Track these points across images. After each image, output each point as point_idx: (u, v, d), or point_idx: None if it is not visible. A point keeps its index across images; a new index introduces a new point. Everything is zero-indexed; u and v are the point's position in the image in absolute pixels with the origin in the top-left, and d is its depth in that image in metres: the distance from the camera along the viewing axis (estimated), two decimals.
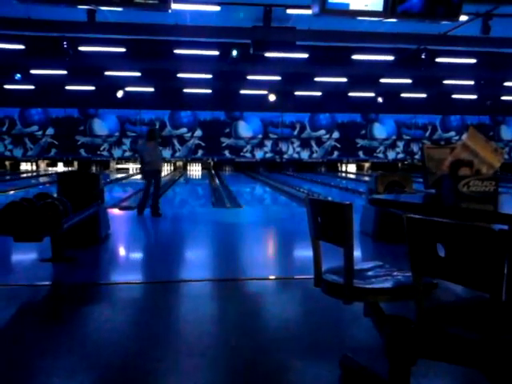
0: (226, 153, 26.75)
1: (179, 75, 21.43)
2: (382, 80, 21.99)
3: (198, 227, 7.98)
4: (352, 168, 27.63)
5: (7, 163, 25.93)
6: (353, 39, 13.84)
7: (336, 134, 27.27)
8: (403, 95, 25.17)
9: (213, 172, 24.57)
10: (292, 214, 10.39)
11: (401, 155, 27.84)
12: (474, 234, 1.63)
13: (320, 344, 3.08)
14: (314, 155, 27.36)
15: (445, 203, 2.36)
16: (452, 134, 27.82)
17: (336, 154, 27.43)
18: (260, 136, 26.93)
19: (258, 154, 27.01)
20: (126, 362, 2.84)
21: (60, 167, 26.10)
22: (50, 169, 25.82)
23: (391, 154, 27.81)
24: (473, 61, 18.00)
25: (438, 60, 17.53)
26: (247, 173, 24.45)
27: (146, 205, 8.79)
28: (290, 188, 16.22)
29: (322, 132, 27.28)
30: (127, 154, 26.24)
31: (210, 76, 21.46)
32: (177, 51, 17.23)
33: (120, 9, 5.65)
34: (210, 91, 24.42)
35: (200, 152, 26.57)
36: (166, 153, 25.40)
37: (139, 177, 22.59)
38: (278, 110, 26.08)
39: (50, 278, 4.80)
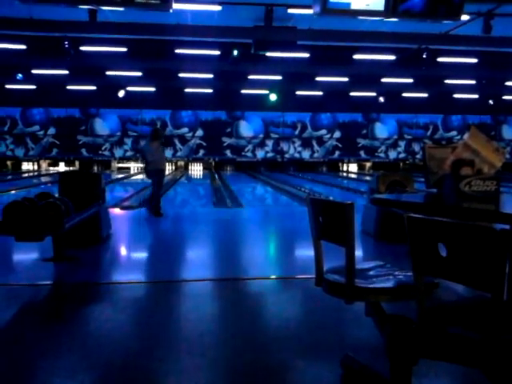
0: (228, 152, 26.76)
1: (180, 75, 21.44)
2: (384, 79, 21.98)
3: (200, 227, 7.98)
4: (353, 168, 27.62)
5: (9, 163, 25.98)
6: (354, 39, 13.83)
7: (337, 134, 27.26)
8: (404, 95, 25.15)
9: (214, 172, 24.57)
10: (293, 213, 10.39)
11: (402, 155, 27.82)
12: (475, 234, 1.63)
13: (321, 343, 3.08)
14: (316, 155, 27.35)
15: (446, 203, 2.36)
16: (453, 133, 27.80)
17: (337, 153, 27.42)
18: (261, 136, 26.93)
19: (260, 154, 27.01)
20: (127, 361, 2.84)
21: (61, 167, 26.13)
22: (51, 168, 25.86)
23: (392, 154, 27.80)
24: (474, 60, 17.98)
25: (440, 59, 17.50)
26: (248, 172, 24.45)
27: (160, 202, 8.87)
28: (292, 188, 16.22)
29: (324, 132, 27.27)
30: (128, 153, 26.26)
31: (211, 76, 21.47)
32: (178, 51, 17.23)
33: (121, 9, 5.66)
34: (211, 91, 24.42)
35: (201, 152, 26.58)
36: (168, 153, 25.41)
37: (140, 177, 22.64)
38: (279, 110, 26.09)
39: (51, 277, 4.81)
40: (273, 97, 24.14)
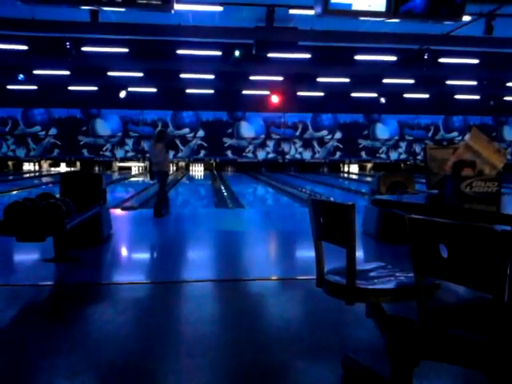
0: (229, 153, 26.77)
1: (182, 75, 21.46)
2: (385, 80, 21.97)
3: (201, 227, 7.98)
4: (354, 168, 27.61)
5: (10, 163, 26.01)
6: (355, 39, 13.84)
7: (338, 135, 27.26)
8: (406, 95, 25.15)
9: (215, 172, 24.58)
10: (294, 214, 10.39)
11: (403, 156, 27.81)
12: (476, 235, 1.63)
13: (322, 344, 3.08)
14: (317, 155, 27.35)
15: (447, 204, 2.36)
16: (455, 134, 27.78)
17: (338, 154, 27.42)
18: (262, 136, 26.93)
19: (261, 155, 27.02)
20: (128, 361, 2.84)
21: (63, 167, 26.16)
22: (52, 169, 25.88)
23: (394, 155, 27.79)
24: (475, 61, 17.97)
25: (441, 60, 17.50)
26: (249, 173, 24.45)
27: (169, 202, 8.95)
28: (292, 188, 16.22)
29: (325, 132, 27.27)
30: (130, 154, 26.28)
31: (212, 76, 21.48)
32: (179, 51, 17.25)
33: (123, 9, 5.66)
34: (212, 91, 24.43)
35: (202, 152, 26.59)
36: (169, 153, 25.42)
37: (141, 177, 22.64)
38: (281, 111, 26.09)
39: (52, 277, 4.81)
40: (275, 98, 24.14)
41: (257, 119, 26.76)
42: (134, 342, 3.15)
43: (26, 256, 5.50)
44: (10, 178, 21.47)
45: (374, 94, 24.91)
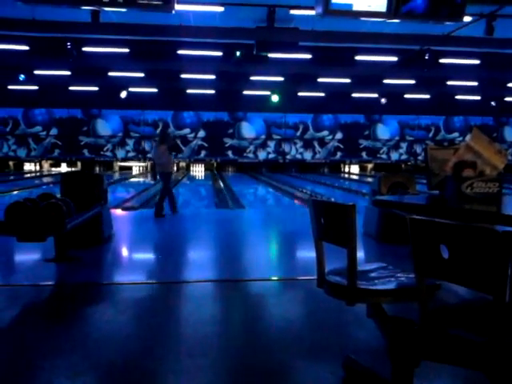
0: (229, 153, 26.77)
1: (182, 76, 21.47)
2: (386, 81, 21.97)
3: (201, 228, 7.98)
4: (355, 169, 27.60)
5: (11, 163, 26.03)
6: (356, 40, 13.84)
7: (339, 135, 27.26)
8: (406, 96, 25.14)
9: (216, 173, 24.58)
10: (295, 214, 10.39)
11: (404, 156, 27.81)
12: (477, 236, 1.63)
13: (322, 345, 3.08)
14: (317, 156, 27.36)
15: (448, 204, 2.36)
16: (455, 134, 27.78)
17: (339, 154, 27.42)
18: (263, 137, 26.94)
19: (261, 155, 27.03)
20: (128, 362, 2.84)
21: (63, 167, 26.18)
22: (53, 169, 25.90)
23: (394, 155, 27.79)
24: (476, 62, 17.96)
25: (442, 61, 17.50)
26: (250, 173, 24.45)
27: (176, 202, 8.99)
28: (293, 189, 16.21)
29: (325, 133, 27.28)
30: (130, 154, 26.30)
31: (213, 77, 21.48)
32: (180, 52, 17.25)
33: (124, 10, 5.66)
34: (213, 92, 24.44)
35: (203, 153, 26.60)
36: None
37: (142, 178, 22.64)
38: (281, 111, 26.09)
39: (53, 277, 4.81)
40: (275, 98, 24.15)
41: (257, 119, 26.77)
42: (134, 342, 3.15)
43: (27, 256, 5.50)
44: (11, 178, 21.49)
45: (375, 95, 24.91)
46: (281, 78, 21.68)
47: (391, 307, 2.37)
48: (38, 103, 24.83)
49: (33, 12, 11.35)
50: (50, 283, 4.59)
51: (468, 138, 2.51)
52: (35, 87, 23.04)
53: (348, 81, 21.96)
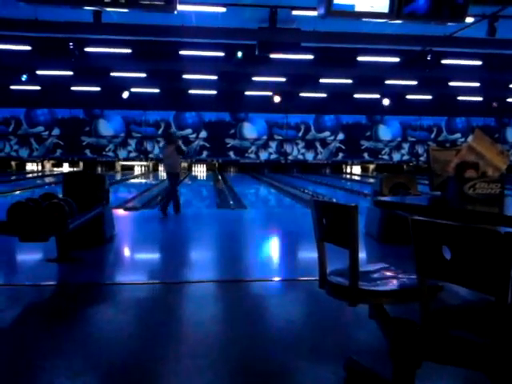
0: (231, 154, 26.78)
1: (184, 76, 21.48)
2: (388, 81, 21.95)
3: (203, 228, 7.99)
4: (357, 170, 27.58)
5: (13, 163, 26.07)
6: (358, 41, 13.83)
7: (341, 136, 27.25)
8: (408, 97, 25.12)
9: (217, 173, 24.59)
10: (296, 215, 10.38)
11: (406, 157, 27.78)
12: (479, 237, 1.63)
13: (324, 345, 3.08)
14: (319, 157, 27.34)
15: (450, 205, 2.35)
16: (457, 135, 27.74)
17: (341, 155, 27.40)
18: (265, 137, 26.94)
19: (263, 155, 27.02)
20: (129, 362, 2.84)
21: (65, 168, 26.21)
22: (55, 169, 25.92)
23: (396, 156, 27.76)
24: (478, 62, 17.95)
25: (444, 62, 17.48)
26: (252, 174, 24.46)
27: (179, 202, 9.10)
28: (295, 189, 16.21)
29: (327, 133, 27.26)
30: (132, 154, 26.32)
31: (215, 77, 21.49)
32: (182, 52, 17.27)
33: (126, 10, 5.67)
34: (214, 92, 24.45)
35: (205, 153, 26.61)
36: None
37: (144, 178, 22.65)
38: (283, 112, 26.09)
39: (55, 278, 4.82)
40: (277, 99, 24.16)
41: (259, 120, 26.77)
42: (135, 343, 3.15)
43: (29, 256, 5.51)
44: (13, 178, 21.51)
45: (377, 95, 24.90)
46: (283, 79, 21.68)
47: (393, 308, 2.36)
48: (40, 103, 24.86)
49: (35, 12, 11.37)
50: (51, 283, 4.59)
51: (470, 139, 2.51)
52: (37, 87, 23.07)
53: (350, 81, 21.95)
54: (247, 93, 24.54)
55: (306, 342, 3.15)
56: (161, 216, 8.65)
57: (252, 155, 26.94)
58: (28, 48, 15.46)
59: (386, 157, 27.69)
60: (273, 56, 14.99)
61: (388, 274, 2.36)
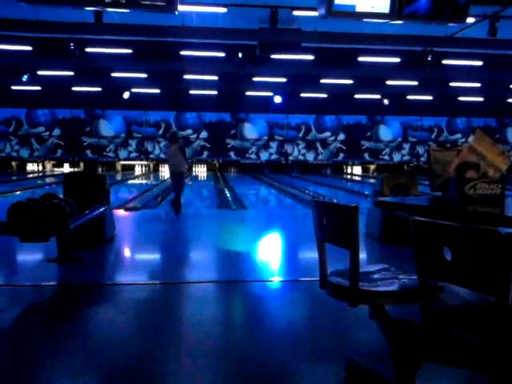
0: (232, 154, 26.78)
1: (185, 76, 21.49)
2: (388, 82, 21.95)
3: (203, 228, 7.98)
4: (357, 170, 27.58)
5: (14, 164, 26.08)
6: (359, 41, 13.83)
7: (341, 136, 27.24)
8: (409, 97, 25.11)
9: (218, 173, 24.59)
10: (297, 215, 10.38)
11: (406, 157, 27.77)
12: (480, 238, 1.62)
13: (325, 346, 3.07)
14: (320, 157, 27.34)
15: (451, 206, 2.35)
16: (458, 136, 27.73)
17: (341, 155, 27.40)
18: (265, 138, 26.93)
19: (264, 156, 27.02)
20: (130, 362, 2.84)
21: (66, 168, 26.22)
22: (56, 169, 25.93)
23: (397, 157, 27.75)
24: (479, 63, 17.94)
25: (445, 62, 17.48)
26: (252, 174, 24.45)
27: (180, 203, 9.17)
28: (295, 190, 16.21)
29: (328, 134, 27.26)
30: (133, 155, 26.33)
31: (215, 77, 21.50)
32: (183, 53, 17.27)
33: (127, 10, 5.66)
34: (215, 93, 24.46)
35: (205, 153, 26.61)
36: None
37: (144, 178, 22.65)
38: (284, 112, 26.09)
39: (55, 278, 4.82)
40: (277, 99, 24.16)
41: (260, 120, 26.77)
42: (135, 343, 3.15)
43: (30, 256, 5.51)
44: (14, 178, 21.53)
45: (378, 96, 24.89)
46: (283, 79, 21.68)
47: (394, 309, 2.36)
48: (40, 104, 24.88)
49: (36, 13, 11.38)
50: (52, 283, 4.59)
51: (471, 139, 2.51)
52: (38, 88, 23.09)
53: (350, 82, 21.95)
54: (248, 93, 24.54)
55: (307, 342, 3.15)
56: (174, 215, 8.83)
57: (252, 155, 26.93)
58: (29, 48, 15.47)
59: (386, 157, 27.67)
60: (273, 56, 14.99)
61: (388, 274, 2.36)
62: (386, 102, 24.98)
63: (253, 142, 26.86)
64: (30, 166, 26.20)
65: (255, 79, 21.63)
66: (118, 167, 26.13)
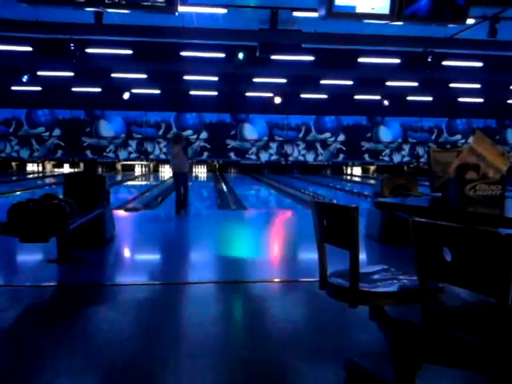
0: (232, 155, 26.79)
1: (185, 77, 21.51)
2: (388, 83, 21.96)
3: (203, 229, 7.98)
4: (357, 171, 27.59)
5: (14, 164, 26.09)
6: (359, 42, 13.84)
7: (341, 137, 27.26)
8: (409, 98, 25.13)
9: (218, 174, 24.59)
10: (297, 216, 10.38)
11: (406, 158, 27.78)
12: (480, 238, 1.62)
13: (325, 347, 3.07)
14: (320, 158, 27.35)
15: (451, 207, 2.35)
16: (458, 137, 27.75)
17: (341, 156, 27.41)
18: (265, 138, 26.95)
19: (264, 157, 27.03)
20: (130, 363, 2.84)
21: (66, 168, 26.23)
22: (56, 170, 25.94)
23: (397, 157, 27.76)
24: (479, 64, 17.94)
25: (445, 63, 17.48)
26: (252, 175, 24.46)
27: (181, 204, 9.15)
28: (295, 190, 16.21)
29: (328, 135, 27.27)
30: (133, 155, 26.33)
31: (215, 78, 21.51)
32: (183, 53, 17.28)
33: (127, 11, 5.67)
34: (215, 93, 24.47)
35: (205, 154, 26.62)
36: None
37: (144, 179, 22.65)
38: (284, 113, 26.10)
39: (55, 278, 4.82)
40: (277, 100, 24.15)
41: (260, 121, 26.78)
42: (136, 343, 3.15)
43: (30, 257, 5.51)
44: (14, 178, 21.53)
45: (378, 97, 24.91)
46: (283, 80, 21.69)
47: (393, 309, 2.36)
48: (41, 104, 24.89)
49: (36, 13, 11.38)
50: (52, 284, 4.59)
51: (471, 140, 2.51)
52: (38, 88, 23.10)
53: (350, 83, 21.97)
54: (248, 94, 24.55)
55: (307, 343, 3.15)
56: (183, 215, 8.88)
57: (252, 156, 26.94)
58: (29, 49, 15.47)
59: (386, 158, 27.69)
60: (273, 57, 14.99)
61: (388, 275, 2.36)
62: (385, 102, 24.99)
63: (253, 143, 26.87)
64: (30, 167, 26.22)
65: (255, 80, 21.65)
66: (118, 168, 26.14)
